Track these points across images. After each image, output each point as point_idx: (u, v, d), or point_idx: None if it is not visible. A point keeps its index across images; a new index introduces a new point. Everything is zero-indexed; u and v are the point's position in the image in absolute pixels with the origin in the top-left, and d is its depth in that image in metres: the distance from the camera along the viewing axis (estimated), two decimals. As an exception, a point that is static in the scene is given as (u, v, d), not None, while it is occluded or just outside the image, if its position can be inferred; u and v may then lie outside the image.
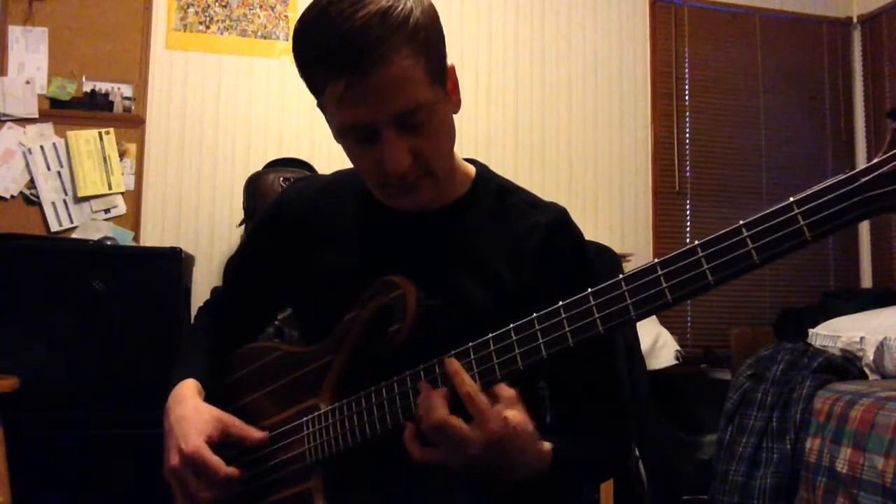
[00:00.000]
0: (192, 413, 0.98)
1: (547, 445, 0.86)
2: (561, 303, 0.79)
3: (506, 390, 0.81)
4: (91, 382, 2.38)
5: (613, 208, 3.49)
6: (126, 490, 2.36)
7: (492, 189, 1.06)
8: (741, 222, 0.68)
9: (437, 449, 0.81)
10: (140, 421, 2.39)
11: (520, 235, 1.01)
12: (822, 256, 3.68)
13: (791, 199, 0.66)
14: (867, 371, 2.48)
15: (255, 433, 0.99)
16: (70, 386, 2.36)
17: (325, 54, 0.87)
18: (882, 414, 1.94)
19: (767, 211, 0.67)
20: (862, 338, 2.49)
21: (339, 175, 1.12)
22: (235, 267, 1.21)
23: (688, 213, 3.59)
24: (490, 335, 0.82)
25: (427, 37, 0.89)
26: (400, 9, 0.86)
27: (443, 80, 0.94)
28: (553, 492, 0.91)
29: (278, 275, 1.11)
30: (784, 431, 2.26)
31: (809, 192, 0.65)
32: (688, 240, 3.58)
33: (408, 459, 0.89)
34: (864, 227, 3.76)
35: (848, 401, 2.08)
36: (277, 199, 1.15)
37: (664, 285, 0.72)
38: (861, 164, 3.01)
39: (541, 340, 0.79)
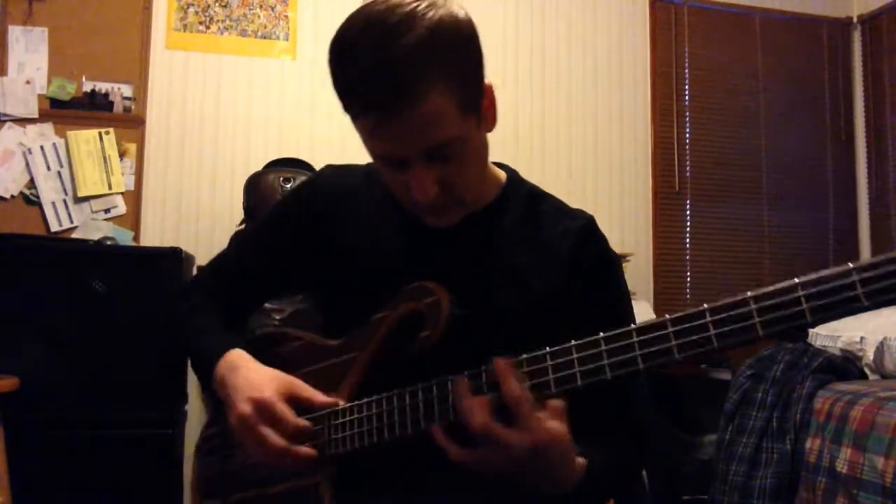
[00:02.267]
0: (255, 373, 0.96)
1: (581, 459, 0.85)
2: (602, 334, 0.77)
3: (554, 401, 0.80)
4: (91, 382, 2.38)
5: (613, 208, 3.49)
6: (126, 490, 2.36)
7: (523, 195, 1.06)
8: (797, 280, 0.68)
9: (477, 450, 0.80)
10: (140, 421, 2.40)
11: (550, 242, 1.01)
12: (822, 256, 3.68)
13: (850, 265, 0.66)
14: (867, 371, 2.48)
15: (322, 397, 0.95)
16: (70, 386, 2.36)
17: (356, 88, 0.85)
18: (882, 414, 1.94)
19: (825, 273, 0.67)
20: (862, 338, 2.49)
21: (375, 170, 1.08)
22: (255, 235, 1.16)
23: (688, 213, 3.59)
24: (524, 356, 0.81)
25: (464, 65, 0.87)
26: (438, 38, 0.83)
27: (477, 106, 0.91)
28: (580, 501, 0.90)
29: (300, 254, 1.07)
30: (784, 431, 2.26)
31: (873, 260, 0.65)
32: (688, 240, 3.58)
33: (419, 463, 0.89)
34: (864, 228, 3.76)
35: (848, 401, 2.08)
36: (313, 178, 1.12)
37: (711, 332, 0.72)
38: (861, 164, 3.00)
39: (577, 369, 0.78)
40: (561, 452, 0.80)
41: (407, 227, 1.01)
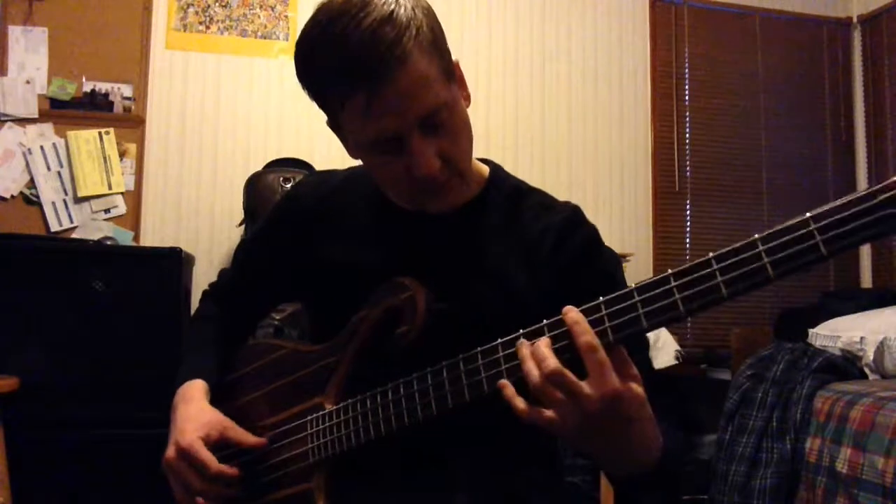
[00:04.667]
0: (195, 413, 1.00)
1: (657, 431, 0.81)
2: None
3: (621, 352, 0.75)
4: (91, 382, 2.38)
5: (613, 208, 3.49)
6: (126, 490, 2.36)
7: (505, 190, 1.05)
8: (756, 236, 0.67)
9: (548, 408, 0.74)
10: (140, 421, 2.40)
11: (533, 238, 1.00)
12: (822, 256, 3.67)
13: (808, 214, 0.65)
14: (867, 371, 2.48)
15: (252, 438, 1.00)
16: (70, 386, 2.36)
17: (339, 71, 0.85)
18: (882, 414, 1.94)
19: (783, 225, 0.66)
20: (862, 338, 2.49)
21: (355, 172, 1.11)
22: (247, 254, 1.20)
23: (688, 213, 3.59)
24: (500, 341, 0.81)
25: (434, 36, 0.88)
26: (402, 13, 0.85)
27: (453, 75, 0.93)
28: (661, 490, 0.84)
29: (289, 266, 1.10)
30: (784, 431, 2.26)
31: (826, 207, 0.64)
32: (688, 240, 3.58)
33: (416, 463, 0.89)
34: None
35: (848, 401, 2.08)
36: (292, 190, 1.15)
37: (677, 296, 0.71)
38: (861, 164, 3.00)
39: (554, 346, 0.77)
40: (636, 409, 0.74)
41: (386, 226, 1.02)
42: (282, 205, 1.15)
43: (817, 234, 0.64)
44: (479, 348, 0.83)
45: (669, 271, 0.72)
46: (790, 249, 0.66)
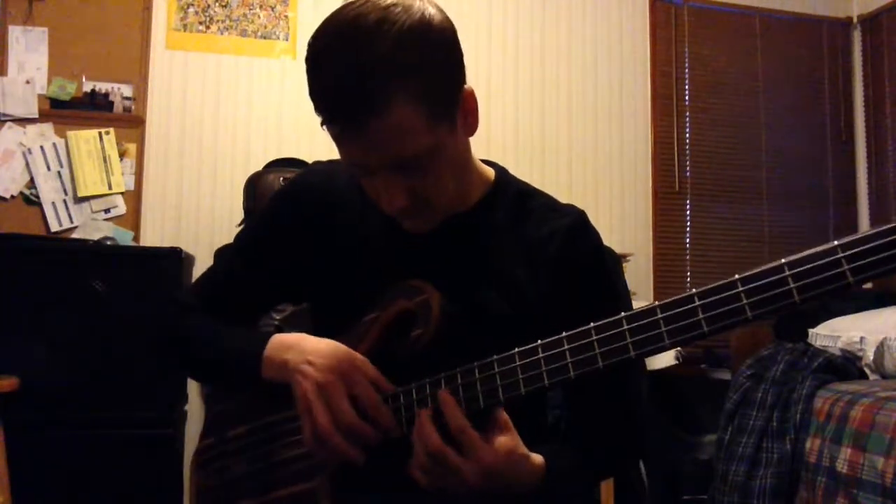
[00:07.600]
0: (326, 345, 0.90)
1: (538, 459, 0.86)
2: (592, 324, 0.78)
3: (501, 415, 0.82)
4: (91, 382, 2.38)
5: (613, 208, 3.49)
6: (126, 490, 2.36)
7: (511, 194, 1.03)
8: (783, 260, 0.69)
9: (433, 475, 0.82)
10: (140, 421, 2.40)
11: (539, 241, 0.99)
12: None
13: (836, 242, 0.66)
14: (867, 371, 2.48)
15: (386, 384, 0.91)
16: (70, 386, 2.36)
17: (322, 98, 0.85)
18: (882, 414, 1.94)
19: (810, 252, 0.68)
20: (862, 338, 2.49)
21: None
22: (245, 245, 1.12)
23: (688, 212, 3.59)
24: (516, 350, 0.81)
25: (434, 74, 0.85)
26: (406, 48, 0.81)
27: (451, 114, 0.89)
28: (550, 497, 0.90)
29: (293, 258, 1.05)
30: (784, 431, 2.26)
31: (855, 236, 0.65)
32: (688, 240, 3.58)
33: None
34: (864, 228, 3.76)
35: (848, 401, 2.08)
36: (298, 178, 1.09)
37: (700, 316, 0.72)
38: (861, 164, 3.00)
39: (569, 360, 0.78)
40: (513, 468, 0.82)
41: (392, 229, 0.99)
42: (288, 191, 1.09)
43: (845, 262, 0.65)
44: (495, 357, 0.82)
45: (693, 291, 0.73)
46: (816, 276, 0.67)
